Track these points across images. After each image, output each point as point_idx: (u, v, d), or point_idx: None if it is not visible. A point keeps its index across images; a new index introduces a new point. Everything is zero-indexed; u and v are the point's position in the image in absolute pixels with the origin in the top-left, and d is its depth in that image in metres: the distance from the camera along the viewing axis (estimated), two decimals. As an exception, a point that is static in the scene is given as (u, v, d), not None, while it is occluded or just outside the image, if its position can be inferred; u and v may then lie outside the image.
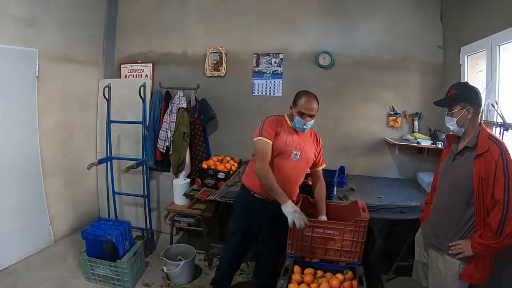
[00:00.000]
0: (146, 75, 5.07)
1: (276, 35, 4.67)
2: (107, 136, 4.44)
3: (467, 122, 2.26)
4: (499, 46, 2.98)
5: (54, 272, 3.85)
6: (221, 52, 4.77)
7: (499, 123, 2.89)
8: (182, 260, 3.74)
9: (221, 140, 4.96)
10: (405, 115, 4.38)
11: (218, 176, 4.14)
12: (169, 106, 4.71)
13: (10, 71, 3.76)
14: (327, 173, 3.95)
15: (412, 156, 4.40)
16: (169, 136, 4.61)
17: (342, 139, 4.59)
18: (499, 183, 2.03)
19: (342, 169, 4.27)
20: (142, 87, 4.23)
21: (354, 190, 3.89)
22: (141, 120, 4.34)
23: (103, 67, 5.16)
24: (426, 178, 3.91)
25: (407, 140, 4.16)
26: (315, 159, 3.07)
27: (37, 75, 4.06)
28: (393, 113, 4.39)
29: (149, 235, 4.52)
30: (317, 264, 2.77)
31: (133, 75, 5.13)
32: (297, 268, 2.68)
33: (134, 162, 4.16)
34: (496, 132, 2.91)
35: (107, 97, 4.32)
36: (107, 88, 4.30)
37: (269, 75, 4.71)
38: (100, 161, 4.27)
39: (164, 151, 4.68)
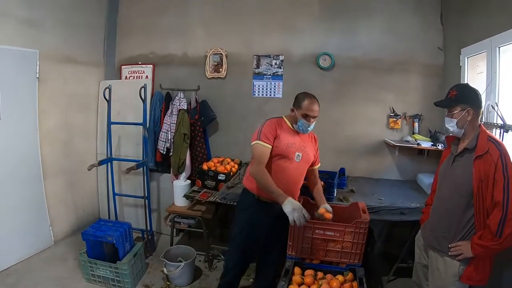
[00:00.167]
0: (147, 77, 5.08)
1: (276, 37, 4.67)
2: (107, 137, 4.45)
3: (467, 123, 2.26)
4: (499, 47, 2.98)
5: (54, 273, 3.85)
6: (221, 54, 4.78)
7: (499, 124, 2.89)
8: (182, 262, 3.74)
9: (221, 142, 4.96)
10: (405, 116, 4.39)
11: (219, 177, 4.14)
12: (170, 107, 4.72)
13: (11, 72, 3.76)
14: (328, 174, 3.96)
15: (412, 158, 4.41)
16: (169, 138, 4.62)
17: (342, 140, 4.59)
18: (499, 184, 2.03)
19: (342, 170, 4.28)
20: (143, 89, 4.23)
21: (355, 191, 3.89)
22: (141, 121, 4.34)
23: (103, 68, 5.18)
24: (426, 180, 3.90)
25: (407, 141, 4.16)
26: (313, 159, 3.09)
27: (37, 76, 4.07)
28: (393, 114, 4.40)
29: (149, 237, 4.52)
30: (317, 266, 2.77)
31: (134, 76, 5.14)
32: (297, 270, 2.67)
33: (134, 163, 4.16)
34: (496, 133, 2.91)
35: (107, 98, 4.33)
36: (107, 89, 4.30)
37: (270, 76, 4.71)
38: (101, 162, 4.27)
39: (164, 153, 4.69)
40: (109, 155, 4.46)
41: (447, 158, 2.48)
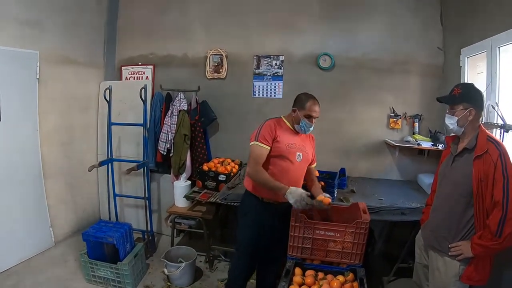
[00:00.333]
0: (147, 77, 5.08)
1: (276, 37, 4.68)
2: (108, 138, 4.45)
3: (467, 123, 2.26)
4: (499, 47, 2.98)
5: (55, 274, 3.86)
6: (221, 54, 4.78)
7: (499, 124, 2.89)
8: (183, 262, 3.74)
9: (221, 142, 4.96)
10: (405, 117, 4.39)
11: (219, 178, 4.15)
12: (170, 108, 4.72)
13: (11, 73, 3.77)
14: (328, 174, 3.97)
15: (413, 158, 4.41)
16: (169, 138, 4.62)
17: (343, 141, 4.59)
18: (498, 184, 2.04)
19: (342, 171, 4.27)
20: (143, 89, 4.23)
21: (355, 192, 3.89)
22: (142, 122, 4.34)
23: (104, 69, 5.18)
24: (426, 180, 3.90)
25: (408, 141, 4.16)
26: (312, 157, 3.12)
27: (38, 77, 4.07)
28: (393, 115, 4.40)
29: (150, 237, 4.52)
30: (318, 266, 2.77)
31: (134, 77, 5.14)
32: (298, 270, 2.67)
33: (135, 164, 4.16)
34: (496, 133, 2.91)
35: (108, 99, 4.34)
36: (108, 90, 4.31)
37: (270, 77, 4.72)
38: (101, 163, 4.28)
39: (165, 153, 4.69)
40: (109, 156, 4.46)
41: (446, 158, 2.49)
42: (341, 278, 2.58)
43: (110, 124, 4.42)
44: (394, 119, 4.39)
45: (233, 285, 3.15)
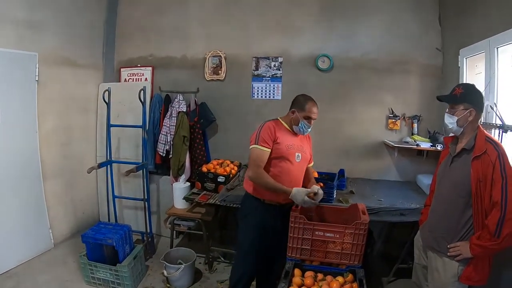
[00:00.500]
0: (146, 79, 5.08)
1: (275, 39, 4.68)
2: (107, 139, 4.45)
3: (467, 123, 2.26)
4: (497, 48, 2.99)
5: (54, 275, 3.85)
6: (220, 56, 4.79)
7: (498, 125, 2.90)
8: (182, 264, 3.74)
9: (220, 144, 4.96)
10: (404, 117, 4.39)
11: (218, 179, 4.15)
12: (169, 109, 4.72)
13: (10, 75, 3.77)
14: (327, 176, 3.97)
15: (412, 159, 4.41)
16: (169, 140, 4.62)
17: (342, 142, 4.60)
18: (497, 185, 2.04)
19: (341, 172, 4.27)
20: (142, 91, 4.23)
21: (354, 193, 3.89)
22: (141, 124, 4.35)
23: (102, 71, 5.18)
24: (425, 180, 3.90)
25: (407, 142, 4.17)
26: (309, 157, 3.14)
27: (37, 79, 4.07)
28: (392, 115, 4.41)
29: (149, 239, 4.52)
30: (317, 267, 2.76)
31: (133, 78, 5.15)
32: (297, 271, 2.67)
33: (134, 165, 4.16)
34: (495, 134, 2.91)
35: (107, 101, 4.33)
36: (107, 92, 4.31)
37: (269, 78, 4.72)
38: (100, 165, 4.28)
39: (164, 155, 4.69)
40: (108, 158, 4.46)
41: (445, 159, 2.49)
42: (340, 279, 2.58)
43: (109, 125, 4.42)
44: (393, 120, 4.40)
45: (236, 285, 3.09)
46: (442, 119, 2.44)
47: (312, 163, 3.23)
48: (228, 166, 4.45)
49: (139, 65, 5.12)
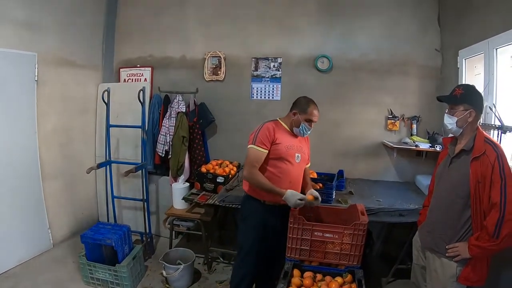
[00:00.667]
0: (145, 79, 5.08)
1: (274, 40, 4.69)
2: (106, 140, 4.45)
3: (466, 124, 2.27)
4: (496, 49, 3.00)
5: (53, 276, 3.85)
6: (220, 56, 4.79)
7: (497, 125, 2.90)
8: (181, 264, 3.74)
9: (220, 144, 4.97)
10: (403, 118, 4.40)
11: (217, 180, 4.15)
12: (168, 110, 4.72)
13: (9, 75, 3.77)
14: (326, 176, 3.97)
15: (411, 159, 4.42)
16: (168, 140, 4.62)
17: (341, 142, 4.60)
18: (496, 186, 2.04)
19: (341, 172, 4.27)
20: (141, 91, 4.24)
21: (353, 193, 3.89)
22: (140, 124, 4.35)
23: (102, 71, 5.18)
24: (424, 181, 3.90)
25: (406, 143, 4.17)
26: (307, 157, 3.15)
27: (36, 79, 4.07)
28: (391, 116, 4.41)
29: (148, 239, 4.52)
30: (316, 268, 2.77)
31: (132, 79, 5.15)
32: (296, 272, 2.68)
33: (133, 166, 4.16)
34: (494, 135, 2.92)
35: (106, 101, 4.34)
36: (106, 92, 4.31)
37: (268, 79, 4.73)
38: (99, 165, 4.28)
39: (163, 155, 4.69)
40: (107, 158, 4.47)
41: (444, 160, 2.49)
42: (339, 279, 2.59)
43: (108, 126, 4.42)
44: (392, 121, 4.40)
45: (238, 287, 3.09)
46: (441, 120, 2.45)
47: (309, 163, 3.24)
48: (227, 166, 4.46)
49: (138, 66, 5.13)
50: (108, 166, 4.46)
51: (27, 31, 3.93)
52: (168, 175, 4.76)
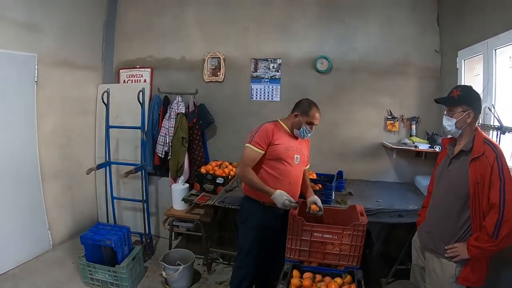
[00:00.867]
0: (145, 80, 5.08)
1: (274, 41, 4.69)
2: (106, 141, 4.46)
3: (465, 125, 2.27)
4: (495, 50, 3.01)
5: (53, 277, 3.85)
6: (219, 58, 4.79)
7: (496, 126, 2.91)
8: (181, 265, 3.74)
9: (219, 145, 4.96)
10: (402, 119, 4.40)
11: (217, 181, 4.15)
12: (168, 111, 4.72)
13: (9, 76, 3.77)
14: (326, 177, 3.98)
15: (410, 160, 4.42)
16: (167, 141, 4.62)
17: (340, 143, 4.60)
18: (495, 186, 2.05)
19: (340, 173, 4.27)
20: (141, 92, 4.24)
21: (352, 194, 3.90)
22: (139, 125, 4.35)
23: (102, 72, 5.18)
24: (424, 182, 3.90)
25: (405, 144, 4.18)
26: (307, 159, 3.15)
27: (36, 80, 4.07)
28: (390, 117, 4.41)
29: (148, 240, 4.53)
30: (315, 268, 2.78)
31: (132, 80, 5.15)
32: (295, 273, 2.68)
33: (133, 167, 4.17)
34: (493, 135, 2.93)
35: (105, 102, 4.34)
36: (105, 93, 4.32)
37: (267, 80, 4.73)
38: (99, 166, 4.28)
39: (162, 156, 4.69)
40: (107, 159, 4.47)
41: (443, 160, 2.49)
42: (339, 280, 2.60)
43: (108, 127, 4.42)
44: (392, 122, 4.40)
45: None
46: (440, 121, 2.46)
47: (309, 165, 3.24)
48: (227, 167, 4.45)
49: (138, 67, 5.13)
50: (107, 167, 4.46)
51: (27, 32, 3.93)
52: (168, 176, 4.76)
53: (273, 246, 3.01)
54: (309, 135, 2.99)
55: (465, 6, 3.63)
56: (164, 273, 3.73)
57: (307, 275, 2.66)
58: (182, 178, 4.59)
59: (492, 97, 3.04)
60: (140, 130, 4.37)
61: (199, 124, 4.67)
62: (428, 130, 4.24)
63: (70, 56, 4.58)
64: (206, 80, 4.87)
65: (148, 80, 5.07)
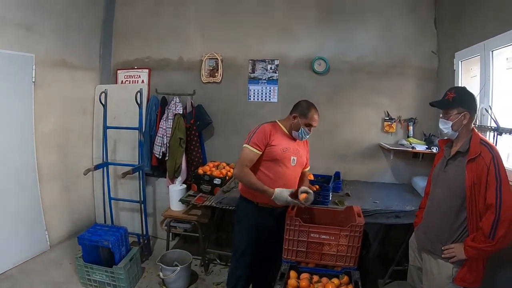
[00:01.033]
0: (143, 81, 5.08)
1: (271, 42, 4.70)
2: (103, 141, 4.44)
3: (461, 127, 2.28)
4: (492, 51, 3.01)
5: (50, 277, 3.84)
6: (217, 58, 4.79)
7: (493, 127, 2.91)
8: (178, 266, 3.74)
9: (217, 146, 4.96)
10: (400, 120, 4.41)
11: (214, 182, 4.15)
12: (165, 112, 4.72)
13: (6, 76, 3.77)
14: (323, 178, 3.98)
15: (407, 161, 4.42)
16: (165, 142, 4.62)
17: (338, 144, 4.61)
18: (491, 187, 2.05)
19: (337, 174, 4.28)
20: (139, 93, 4.24)
21: (350, 195, 3.90)
22: (137, 126, 4.35)
23: (99, 72, 5.18)
24: (421, 183, 3.91)
25: (402, 145, 4.19)
26: (306, 161, 3.15)
27: (33, 81, 4.07)
28: (388, 118, 4.42)
29: (145, 241, 4.51)
30: (313, 269, 2.78)
31: (130, 80, 5.15)
32: (293, 273, 2.68)
33: (130, 168, 4.16)
34: (490, 136, 2.94)
35: (103, 103, 4.34)
36: (103, 94, 4.32)
37: (265, 81, 4.73)
38: (97, 167, 4.28)
39: (160, 157, 4.69)
40: (105, 160, 4.46)
41: (440, 162, 2.50)
42: (336, 281, 2.60)
43: (105, 127, 4.41)
44: (389, 123, 4.41)
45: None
46: (437, 122, 2.46)
47: (309, 167, 3.25)
48: (224, 168, 4.45)
49: (135, 67, 5.12)
50: (105, 167, 4.45)
51: (24, 32, 3.93)
52: (165, 177, 4.77)
53: (269, 246, 3.02)
54: (307, 137, 2.99)
55: (462, 7, 3.63)
56: (161, 274, 3.73)
57: (304, 276, 2.66)
58: (179, 179, 4.59)
59: (489, 98, 3.05)
60: (137, 130, 4.37)
61: (196, 125, 4.67)
62: (425, 131, 4.25)
63: (68, 56, 4.57)
64: (204, 81, 4.87)
65: (145, 80, 5.07)
